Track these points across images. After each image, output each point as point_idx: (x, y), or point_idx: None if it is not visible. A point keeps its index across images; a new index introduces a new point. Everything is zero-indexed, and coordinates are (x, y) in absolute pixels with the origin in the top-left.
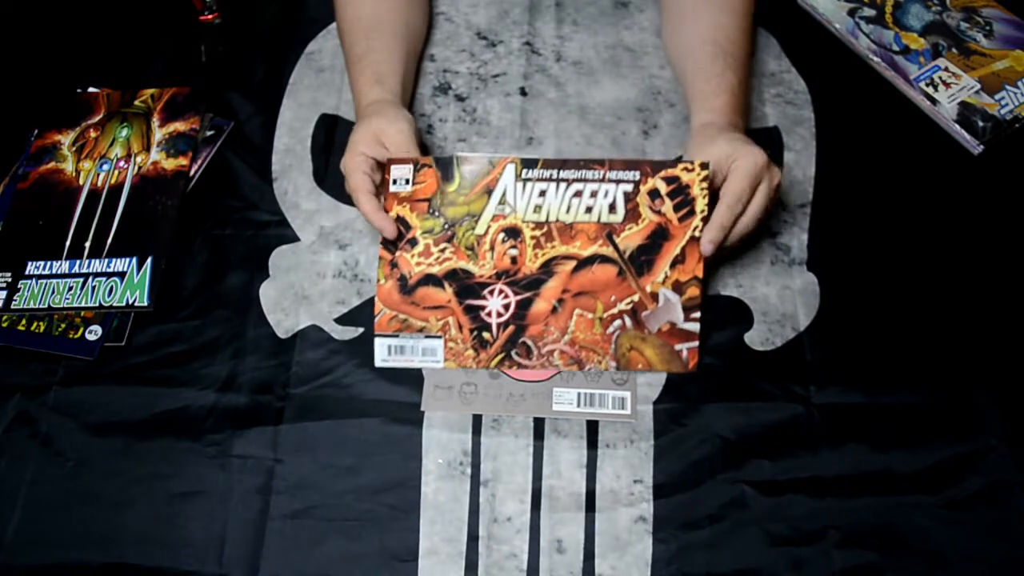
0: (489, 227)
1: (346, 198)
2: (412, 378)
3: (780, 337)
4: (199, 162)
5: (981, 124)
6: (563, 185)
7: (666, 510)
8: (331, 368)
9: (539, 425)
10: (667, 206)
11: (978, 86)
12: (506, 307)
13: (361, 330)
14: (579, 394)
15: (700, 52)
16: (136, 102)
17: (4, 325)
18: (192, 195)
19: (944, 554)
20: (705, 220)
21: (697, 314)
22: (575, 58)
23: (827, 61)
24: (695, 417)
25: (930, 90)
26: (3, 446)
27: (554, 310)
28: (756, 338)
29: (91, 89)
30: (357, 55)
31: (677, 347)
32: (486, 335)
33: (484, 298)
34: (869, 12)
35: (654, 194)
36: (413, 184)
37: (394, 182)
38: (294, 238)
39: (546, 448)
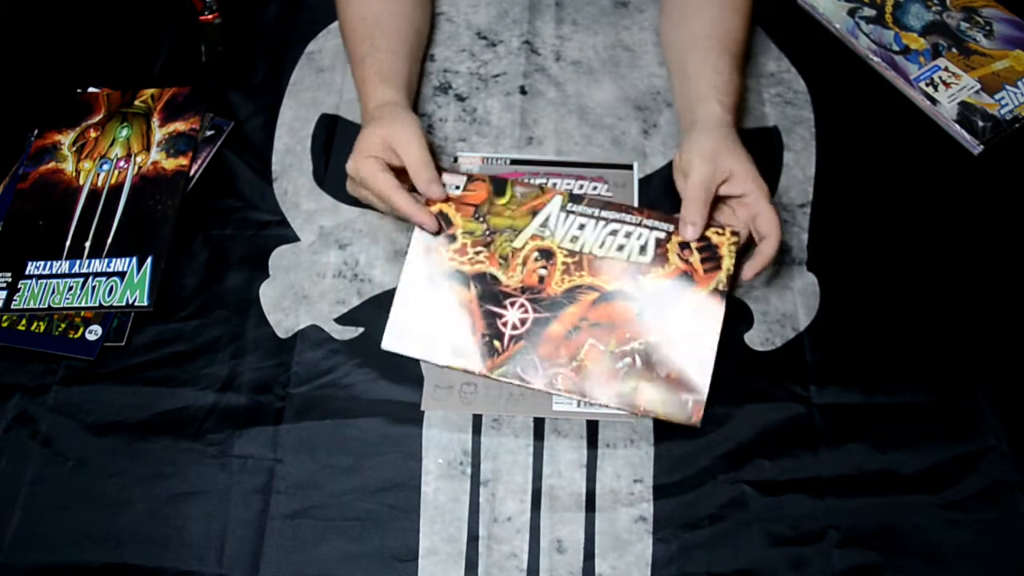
0: (527, 243)
1: (346, 198)
2: (412, 378)
3: (780, 337)
4: (199, 162)
5: (981, 124)
6: (602, 223)
7: (666, 510)
8: (331, 368)
9: (539, 425)
10: (695, 257)
11: (978, 86)
12: (523, 321)
13: (361, 330)
14: None
15: (705, 47)
16: (136, 102)
17: (4, 325)
18: (192, 195)
19: (944, 554)
20: (731, 278)
21: (710, 369)
22: (575, 58)
23: (827, 61)
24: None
25: (930, 90)
26: (3, 446)
27: (568, 335)
28: (756, 338)
29: (91, 89)
30: (360, 55)
31: (683, 397)
32: (496, 343)
33: (504, 308)
34: (869, 12)
35: (684, 245)
36: (463, 191)
37: (443, 185)
38: (294, 238)
39: (546, 448)
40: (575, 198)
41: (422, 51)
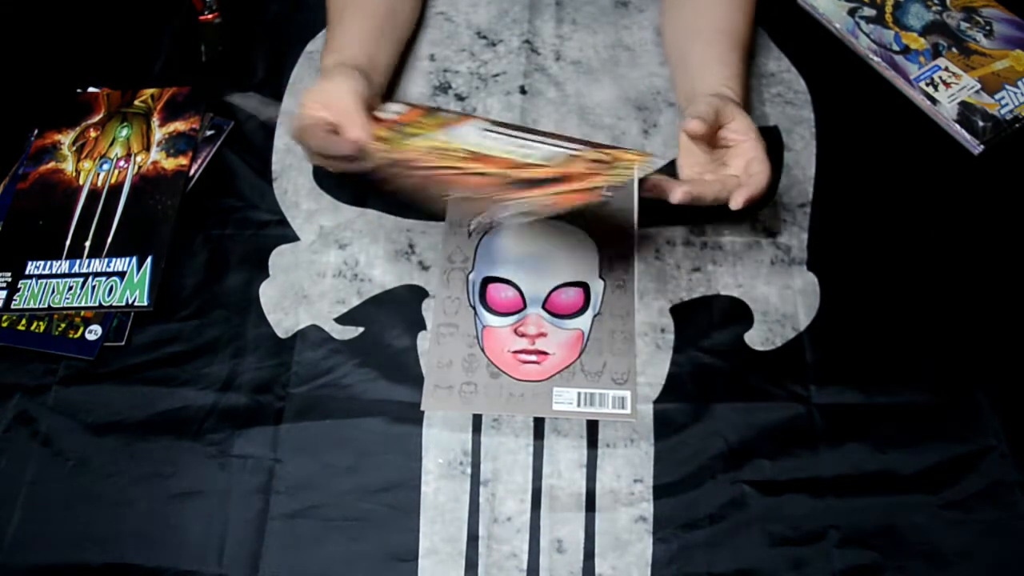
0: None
1: (347, 198)
2: (412, 378)
3: (780, 337)
4: (199, 162)
5: (981, 124)
6: (517, 140)
7: (666, 510)
8: (331, 368)
9: (539, 425)
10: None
11: (978, 86)
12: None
13: (361, 330)
14: (579, 393)
15: (709, 41)
16: (136, 102)
17: (4, 325)
18: (192, 195)
19: (944, 554)
20: (627, 190)
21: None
22: (575, 57)
23: (827, 61)
24: (695, 417)
25: (930, 90)
26: (3, 446)
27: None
28: (756, 338)
29: (91, 89)
30: (328, 32)
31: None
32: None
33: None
34: (869, 12)
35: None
36: (400, 115)
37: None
38: (294, 238)
39: (546, 448)
40: (498, 123)
41: (400, 37)
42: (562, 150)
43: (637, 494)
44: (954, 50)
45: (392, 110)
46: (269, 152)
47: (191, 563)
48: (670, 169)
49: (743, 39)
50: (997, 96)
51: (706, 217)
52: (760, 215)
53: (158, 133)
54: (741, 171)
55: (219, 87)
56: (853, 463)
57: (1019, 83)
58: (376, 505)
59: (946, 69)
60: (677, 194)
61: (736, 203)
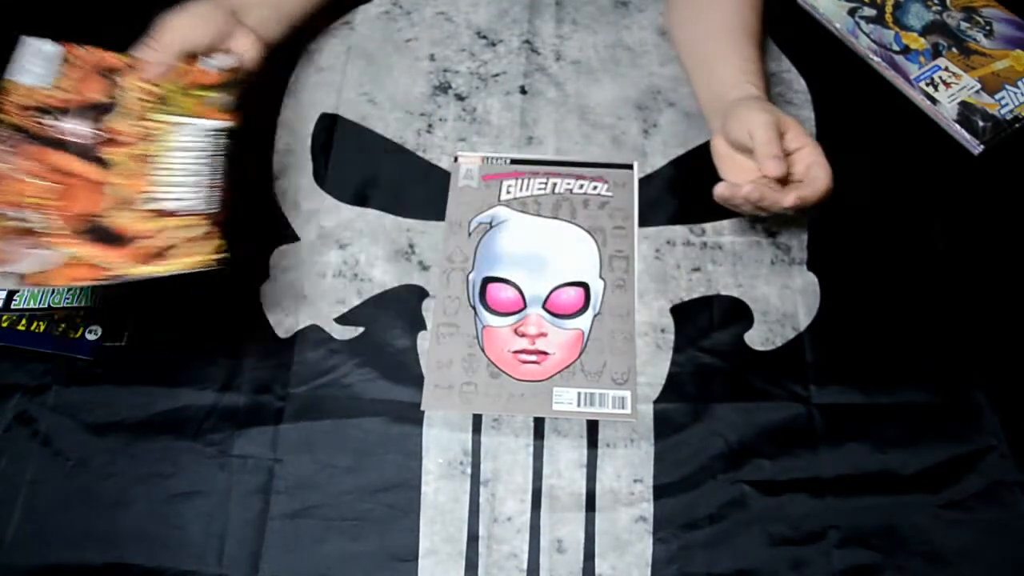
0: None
1: (346, 198)
2: (412, 378)
3: (780, 337)
4: None
5: (981, 124)
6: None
7: (666, 510)
8: (331, 368)
9: (539, 425)
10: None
11: (978, 86)
12: None
13: (361, 330)
14: (579, 393)
15: (726, 37)
16: None
17: (4, 325)
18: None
19: (944, 554)
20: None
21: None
22: (575, 57)
23: (827, 61)
24: (695, 417)
25: (930, 90)
26: (3, 446)
27: None
28: (756, 338)
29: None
30: None
31: None
32: None
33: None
34: (869, 12)
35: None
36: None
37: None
38: (294, 238)
39: (546, 448)
40: (219, 131)
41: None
42: (204, 208)
43: (637, 494)
44: (954, 50)
45: (213, 64)
46: (269, 152)
47: (191, 563)
48: (668, 169)
49: (755, 32)
50: (997, 96)
51: (706, 217)
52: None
53: None
54: (803, 176)
55: None
56: (853, 463)
57: (1019, 83)
58: (376, 505)
59: (946, 69)
60: (790, 198)
61: (789, 200)
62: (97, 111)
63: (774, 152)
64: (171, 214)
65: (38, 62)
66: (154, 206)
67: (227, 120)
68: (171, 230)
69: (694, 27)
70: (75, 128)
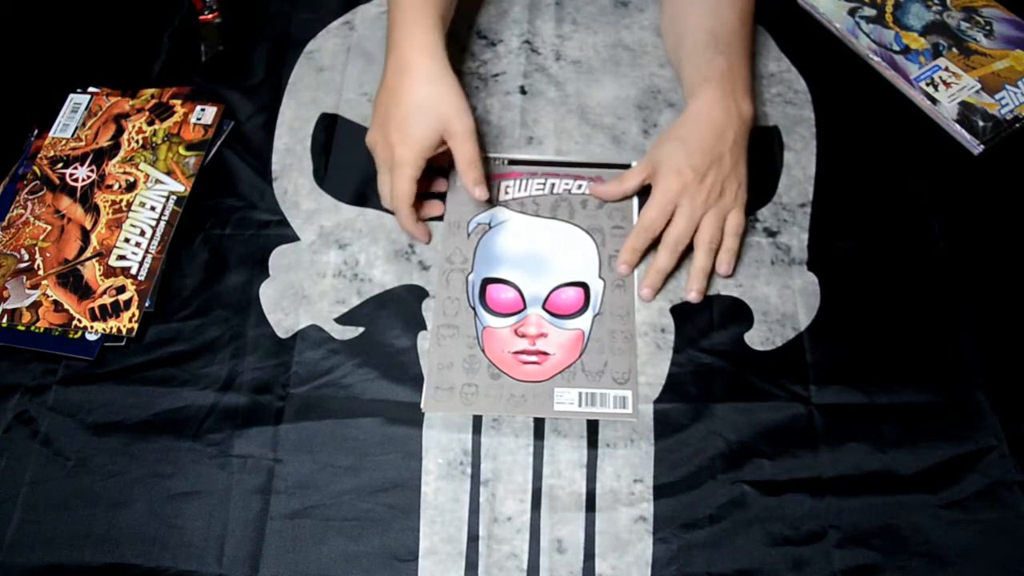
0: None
1: (346, 197)
2: (412, 378)
3: (780, 337)
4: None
5: (981, 124)
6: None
7: (666, 510)
8: (331, 368)
9: (539, 425)
10: None
11: (978, 86)
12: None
13: (361, 330)
14: (580, 394)
15: (692, 40)
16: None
17: (4, 325)
18: (192, 195)
19: (944, 554)
20: None
21: None
22: (575, 57)
23: (827, 61)
24: (695, 417)
25: (930, 90)
26: (3, 446)
27: None
28: (756, 338)
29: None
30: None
31: None
32: None
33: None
34: (869, 12)
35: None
36: None
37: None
38: (294, 238)
39: (546, 448)
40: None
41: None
42: (139, 273)
43: (637, 494)
44: (954, 50)
45: (199, 120)
46: (269, 152)
47: (191, 563)
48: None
49: (734, 30)
50: (997, 96)
51: None
52: (760, 215)
53: None
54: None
55: (219, 87)
56: (853, 463)
57: (1019, 83)
58: (376, 505)
59: (946, 69)
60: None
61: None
62: (102, 155)
63: (625, 258)
64: (122, 272)
65: (73, 116)
66: (118, 263)
67: (186, 186)
68: (112, 289)
69: (673, 28)
70: (82, 173)
